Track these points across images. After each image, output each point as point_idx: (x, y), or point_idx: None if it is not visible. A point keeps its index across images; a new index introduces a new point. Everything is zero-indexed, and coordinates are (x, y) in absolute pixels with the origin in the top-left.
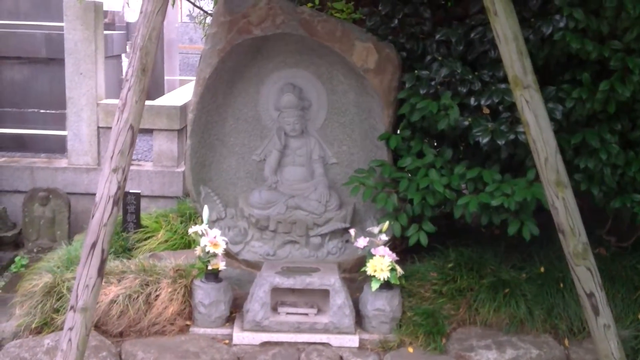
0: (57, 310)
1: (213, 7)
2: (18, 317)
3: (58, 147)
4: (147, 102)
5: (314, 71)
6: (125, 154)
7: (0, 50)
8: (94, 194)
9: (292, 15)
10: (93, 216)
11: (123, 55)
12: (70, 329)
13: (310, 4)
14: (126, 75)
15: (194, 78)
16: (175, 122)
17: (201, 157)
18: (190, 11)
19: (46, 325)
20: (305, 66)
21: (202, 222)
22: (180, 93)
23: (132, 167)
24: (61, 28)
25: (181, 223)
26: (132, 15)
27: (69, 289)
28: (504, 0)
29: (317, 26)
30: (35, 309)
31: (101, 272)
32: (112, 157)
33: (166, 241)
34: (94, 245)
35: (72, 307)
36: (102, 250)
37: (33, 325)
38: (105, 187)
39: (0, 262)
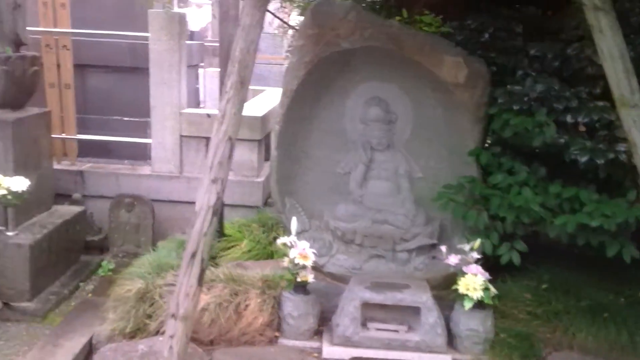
0: (149, 316)
1: (293, 20)
2: (112, 321)
3: (140, 154)
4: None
5: (400, 85)
6: (224, 165)
7: (87, 59)
8: (177, 201)
9: (381, 29)
10: (193, 226)
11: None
12: (172, 336)
13: (398, 18)
14: (225, 87)
15: (264, 88)
16: (256, 132)
17: (286, 169)
18: None
19: (139, 331)
20: (392, 80)
21: (286, 233)
22: (257, 103)
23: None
24: (144, 38)
25: (263, 233)
26: (195, 24)
27: (161, 296)
28: (609, 18)
29: (405, 40)
30: (129, 314)
31: (201, 281)
32: (211, 168)
33: (249, 251)
34: (194, 255)
35: (173, 315)
36: (202, 260)
37: (127, 330)
38: (204, 197)
39: (88, 265)
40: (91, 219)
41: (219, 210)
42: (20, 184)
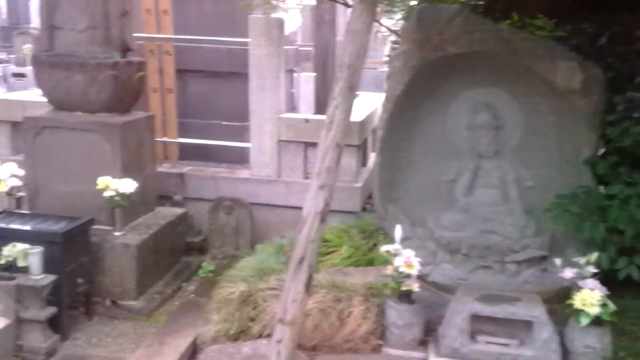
0: (252, 319)
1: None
2: (216, 322)
3: (238, 158)
4: (321, 117)
5: (509, 90)
6: (332, 171)
7: (187, 64)
8: (274, 205)
9: (491, 33)
10: (301, 232)
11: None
12: (279, 341)
13: (508, 21)
14: (333, 93)
15: (357, 93)
16: (355, 137)
17: (389, 175)
18: None
19: (243, 333)
20: (500, 85)
21: (386, 240)
22: (358, 107)
23: (309, 181)
24: (243, 43)
25: (363, 239)
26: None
27: (264, 299)
28: None
29: (516, 44)
30: (232, 316)
31: (308, 287)
32: (319, 175)
33: (349, 257)
34: (301, 261)
35: (280, 320)
36: (309, 266)
37: (231, 332)
38: (312, 203)
39: (189, 266)
40: (191, 220)
41: (326, 217)
42: (128, 186)
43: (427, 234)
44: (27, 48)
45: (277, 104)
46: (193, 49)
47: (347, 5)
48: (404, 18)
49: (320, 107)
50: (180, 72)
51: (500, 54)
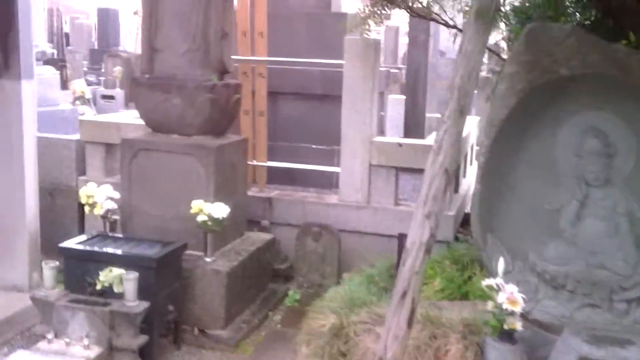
0: (344, 354)
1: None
2: (305, 356)
3: (327, 182)
4: (415, 141)
5: (623, 115)
6: (438, 199)
7: (278, 87)
8: (363, 232)
9: (605, 54)
10: (404, 263)
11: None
12: None
13: (624, 41)
14: (442, 116)
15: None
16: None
17: (489, 203)
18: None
19: None
20: (613, 109)
21: (484, 272)
22: None
23: (400, 208)
24: (335, 65)
25: (456, 271)
26: None
27: (356, 333)
28: None
29: (634, 66)
30: (323, 350)
31: (410, 322)
32: (425, 202)
33: (443, 290)
34: (404, 294)
35: (380, 359)
36: (413, 299)
37: None
38: (417, 232)
39: (275, 294)
40: (278, 246)
41: (431, 248)
42: (221, 210)
43: (529, 267)
44: (117, 70)
45: (369, 127)
46: (285, 71)
47: (447, 26)
48: (504, 38)
49: (409, 131)
50: (271, 95)
51: (614, 76)
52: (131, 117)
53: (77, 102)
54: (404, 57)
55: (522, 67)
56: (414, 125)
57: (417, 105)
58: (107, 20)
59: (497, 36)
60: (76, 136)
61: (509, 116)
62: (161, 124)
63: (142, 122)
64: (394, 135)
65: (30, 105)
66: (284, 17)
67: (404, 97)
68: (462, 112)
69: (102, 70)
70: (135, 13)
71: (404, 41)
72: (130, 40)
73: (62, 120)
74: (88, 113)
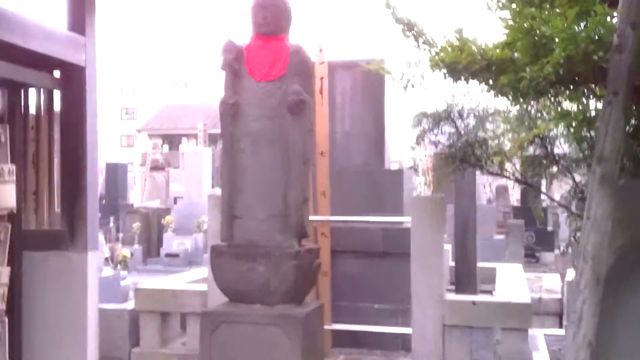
0: None
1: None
2: None
3: (392, 344)
4: (489, 298)
5: None
6: None
7: (337, 245)
8: None
9: None
10: None
11: None
12: None
13: None
14: (579, 285)
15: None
16: (526, 320)
17: None
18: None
19: None
20: None
21: None
22: (511, 284)
23: None
24: (396, 223)
25: None
26: None
27: None
28: None
29: None
30: None
31: None
32: None
33: None
34: None
35: None
36: None
37: None
38: None
39: None
40: None
41: None
42: None
43: None
44: (136, 226)
45: (439, 285)
46: (345, 229)
47: (519, 182)
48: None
49: (461, 282)
50: (331, 254)
51: None
52: (185, 282)
53: (119, 265)
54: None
55: (617, 224)
56: (465, 277)
57: (468, 255)
58: (115, 175)
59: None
60: (129, 305)
61: (607, 276)
62: (243, 294)
63: (198, 287)
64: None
65: (94, 276)
66: (339, 175)
67: (450, 246)
68: (598, 281)
69: (111, 225)
70: (142, 165)
71: None
72: (137, 194)
73: (107, 286)
74: (128, 278)
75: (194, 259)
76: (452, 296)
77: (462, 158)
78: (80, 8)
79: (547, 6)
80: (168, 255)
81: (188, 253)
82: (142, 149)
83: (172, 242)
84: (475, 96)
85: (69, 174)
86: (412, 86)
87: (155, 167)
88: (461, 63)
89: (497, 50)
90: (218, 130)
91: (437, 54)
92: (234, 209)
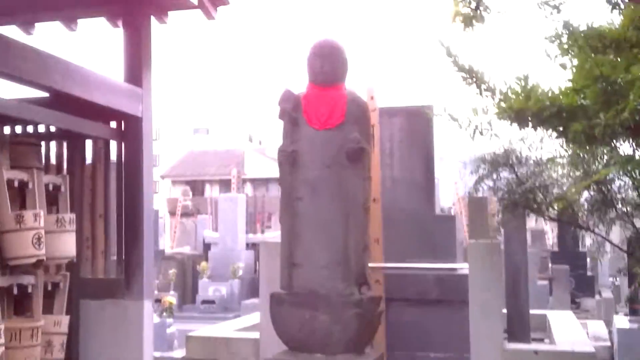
0: None
1: None
2: None
3: None
4: (550, 347)
5: None
6: None
7: (390, 293)
8: None
9: None
10: None
11: None
12: None
13: None
14: None
15: (549, 311)
16: None
17: None
18: None
19: None
20: None
21: None
22: (569, 332)
23: None
24: (450, 269)
25: None
26: None
27: None
28: None
29: None
30: None
31: None
32: None
33: None
34: None
35: None
36: None
37: None
38: None
39: None
40: None
41: None
42: None
43: None
44: (172, 273)
45: (498, 333)
46: (397, 276)
47: (551, 219)
48: None
49: (513, 330)
50: (385, 301)
51: None
52: (234, 330)
53: (164, 313)
54: None
55: None
56: (518, 325)
57: (520, 302)
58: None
59: None
60: (177, 353)
61: None
62: (304, 342)
63: (250, 335)
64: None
65: (150, 324)
66: (390, 221)
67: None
68: None
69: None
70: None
71: None
72: (167, 240)
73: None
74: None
75: (230, 305)
76: (512, 345)
77: (525, 204)
78: (137, 61)
79: (613, 52)
80: (204, 302)
81: (224, 299)
82: (166, 194)
83: (208, 289)
84: (532, 142)
85: (126, 222)
86: (481, 133)
87: (185, 214)
88: (530, 110)
89: (567, 97)
90: (248, 176)
91: (500, 100)
92: (293, 257)
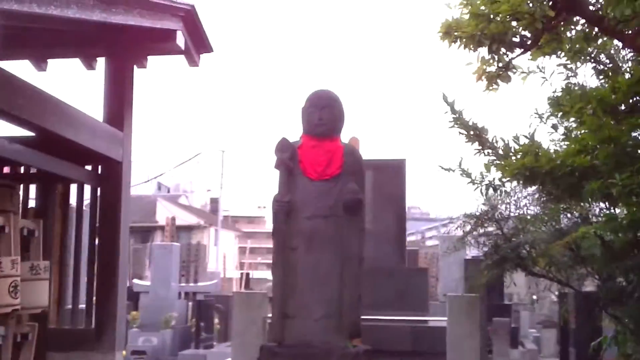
0: None
1: None
2: None
3: None
4: None
5: None
6: None
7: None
8: None
9: None
10: None
11: None
12: None
13: None
14: None
15: None
16: None
17: None
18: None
19: None
20: None
21: None
22: None
23: None
24: (425, 321)
25: None
26: None
27: None
28: None
29: None
30: None
31: None
32: None
33: None
34: None
35: None
36: None
37: None
38: None
39: None
40: None
41: None
42: None
43: None
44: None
45: None
46: (372, 328)
47: (534, 274)
48: None
49: None
50: None
51: None
52: None
53: None
54: None
55: None
56: None
57: None
58: None
59: None
60: None
61: None
62: None
63: None
64: None
65: None
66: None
67: None
68: None
69: None
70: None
71: None
72: None
73: None
74: None
75: (162, 356)
76: None
77: (516, 260)
78: (119, 101)
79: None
80: (134, 352)
81: (155, 349)
82: None
83: (138, 339)
84: (517, 199)
85: (100, 269)
86: (494, 190)
87: None
88: (543, 168)
89: (578, 157)
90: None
91: (506, 158)
92: (286, 308)
